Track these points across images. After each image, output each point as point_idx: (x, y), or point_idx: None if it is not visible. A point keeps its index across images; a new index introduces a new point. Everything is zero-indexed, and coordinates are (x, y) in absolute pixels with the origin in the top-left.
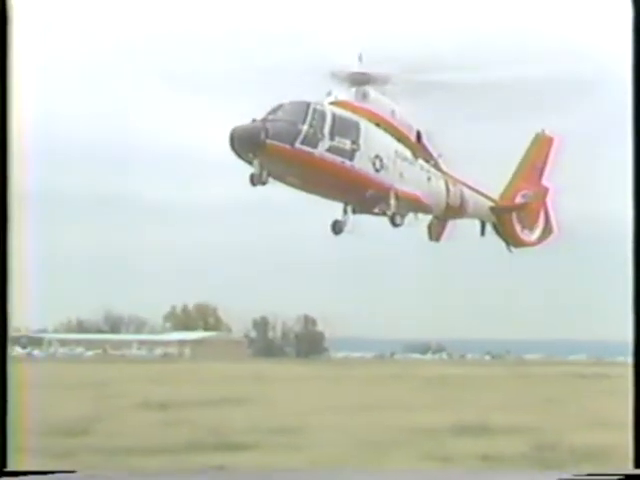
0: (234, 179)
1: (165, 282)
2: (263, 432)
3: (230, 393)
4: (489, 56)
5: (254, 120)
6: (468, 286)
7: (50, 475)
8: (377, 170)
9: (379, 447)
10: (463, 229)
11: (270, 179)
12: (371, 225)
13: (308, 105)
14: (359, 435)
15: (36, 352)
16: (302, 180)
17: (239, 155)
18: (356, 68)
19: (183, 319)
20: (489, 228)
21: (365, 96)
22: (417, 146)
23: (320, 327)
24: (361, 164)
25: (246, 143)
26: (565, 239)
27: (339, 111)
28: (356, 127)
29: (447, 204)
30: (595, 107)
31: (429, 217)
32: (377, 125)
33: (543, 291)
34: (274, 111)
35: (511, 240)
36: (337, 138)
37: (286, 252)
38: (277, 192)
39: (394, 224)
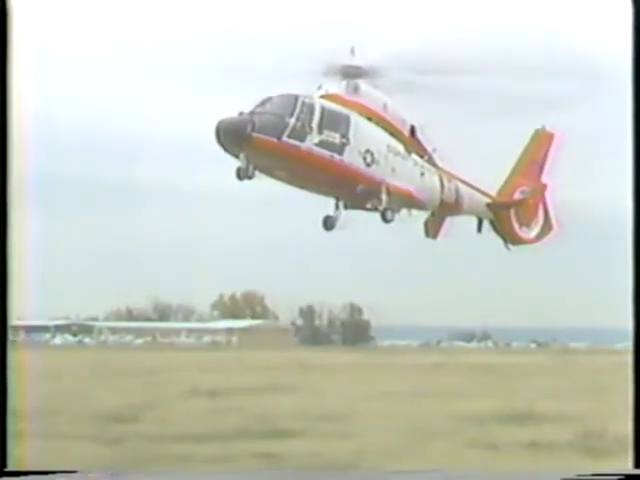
0: None
1: (213, 271)
2: (310, 419)
3: (277, 381)
4: (486, 51)
5: (241, 113)
6: (512, 274)
7: (50, 475)
8: (368, 165)
9: (426, 434)
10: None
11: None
12: (419, 215)
13: (296, 98)
14: (406, 422)
15: (87, 340)
16: (290, 174)
17: (225, 148)
18: (349, 61)
19: (231, 307)
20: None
21: (356, 89)
22: (410, 141)
23: (366, 315)
24: (351, 158)
25: (232, 136)
26: (601, 229)
27: (328, 104)
28: (346, 121)
29: (441, 200)
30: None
31: (424, 212)
32: (369, 119)
33: (589, 279)
34: (262, 104)
35: (509, 237)
36: (326, 132)
37: (332, 240)
38: None
39: (385, 220)
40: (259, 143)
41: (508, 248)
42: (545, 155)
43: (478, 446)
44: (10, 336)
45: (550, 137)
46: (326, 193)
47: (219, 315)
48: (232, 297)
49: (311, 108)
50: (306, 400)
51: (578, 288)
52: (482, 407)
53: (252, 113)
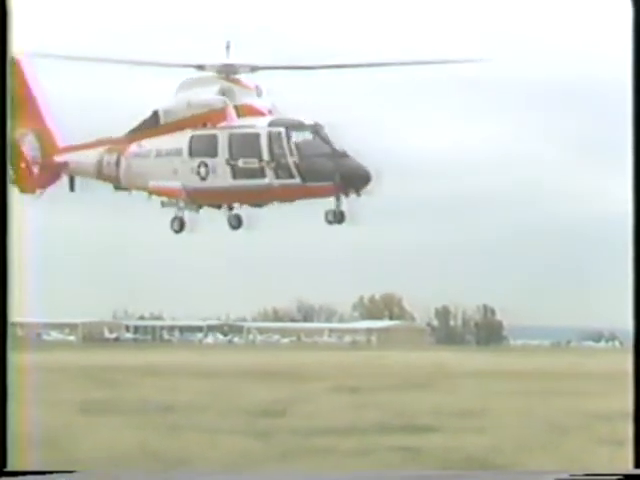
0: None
1: (353, 273)
2: (446, 415)
3: (415, 378)
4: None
5: (329, 156)
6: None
7: (49, 475)
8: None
9: (558, 430)
10: None
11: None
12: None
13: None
14: (538, 418)
15: (236, 339)
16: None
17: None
18: (224, 59)
19: (370, 308)
20: None
21: (259, 94)
22: None
23: (499, 316)
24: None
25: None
26: None
27: (273, 129)
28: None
29: None
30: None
31: None
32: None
33: None
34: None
35: None
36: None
37: (463, 246)
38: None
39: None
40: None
41: None
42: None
43: (607, 443)
44: (166, 335)
45: (19, 64)
46: None
47: (359, 316)
48: (371, 299)
49: (272, 139)
50: (442, 397)
51: None
52: (610, 405)
53: (343, 155)
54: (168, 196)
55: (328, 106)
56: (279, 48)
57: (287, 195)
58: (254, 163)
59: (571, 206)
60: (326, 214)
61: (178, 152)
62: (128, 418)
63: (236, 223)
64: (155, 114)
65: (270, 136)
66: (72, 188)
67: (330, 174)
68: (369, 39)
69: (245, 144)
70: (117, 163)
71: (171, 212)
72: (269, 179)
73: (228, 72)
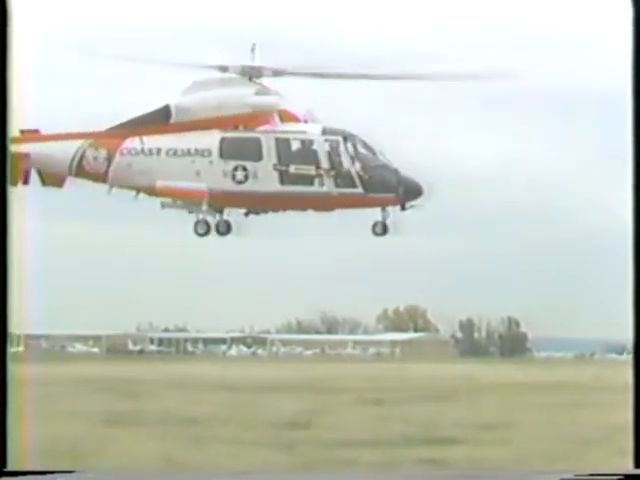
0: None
1: (378, 286)
2: (471, 427)
3: (439, 390)
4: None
5: (386, 168)
6: None
7: (50, 475)
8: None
9: (580, 443)
10: None
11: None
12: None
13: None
14: (561, 431)
15: (260, 351)
16: None
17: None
18: (248, 61)
19: (394, 320)
20: None
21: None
22: None
23: (523, 328)
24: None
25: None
26: None
27: (325, 138)
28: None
29: None
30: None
31: None
32: None
33: None
34: (372, 155)
35: None
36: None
37: (487, 258)
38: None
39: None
40: None
41: None
42: None
43: (626, 454)
44: (190, 347)
45: None
46: None
47: (383, 328)
48: (396, 311)
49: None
50: (466, 409)
51: None
52: (631, 418)
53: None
54: (185, 198)
55: (350, 115)
56: (300, 54)
57: (344, 204)
58: (309, 170)
59: (598, 219)
60: (374, 226)
61: (203, 152)
62: (151, 430)
63: (225, 229)
64: (165, 111)
65: (328, 144)
66: (26, 181)
67: (393, 186)
68: (395, 51)
69: (297, 150)
70: (108, 159)
71: (169, 215)
72: (327, 187)
73: (252, 75)
